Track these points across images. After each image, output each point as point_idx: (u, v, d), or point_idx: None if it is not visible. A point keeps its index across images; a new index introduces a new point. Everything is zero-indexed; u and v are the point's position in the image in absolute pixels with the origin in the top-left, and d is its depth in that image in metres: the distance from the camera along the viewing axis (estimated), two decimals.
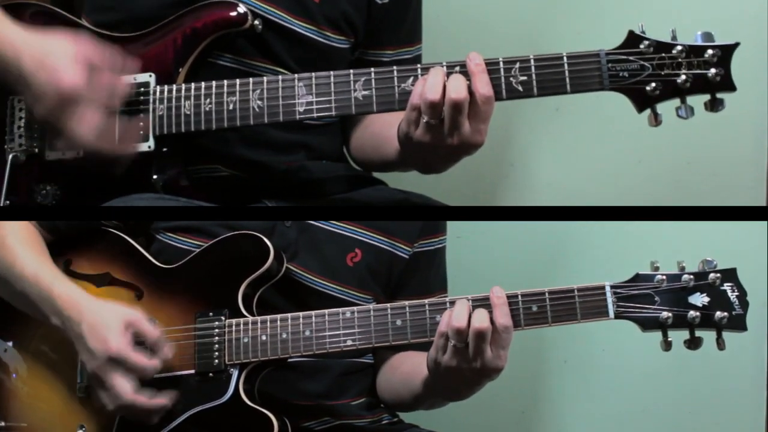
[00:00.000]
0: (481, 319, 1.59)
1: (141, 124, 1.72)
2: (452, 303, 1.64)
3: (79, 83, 1.62)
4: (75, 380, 1.78)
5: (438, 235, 1.96)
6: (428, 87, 1.59)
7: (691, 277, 1.62)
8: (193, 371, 1.72)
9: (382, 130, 1.85)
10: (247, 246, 1.76)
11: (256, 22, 1.77)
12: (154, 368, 1.67)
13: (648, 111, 1.59)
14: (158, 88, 1.73)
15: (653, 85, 1.57)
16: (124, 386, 1.65)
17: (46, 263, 1.78)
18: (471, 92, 1.59)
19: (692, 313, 1.60)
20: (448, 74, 1.60)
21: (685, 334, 1.62)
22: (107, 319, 1.67)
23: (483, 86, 1.59)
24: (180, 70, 1.75)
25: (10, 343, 1.84)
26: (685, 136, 2.41)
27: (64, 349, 1.77)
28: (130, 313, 1.69)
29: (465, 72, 1.61)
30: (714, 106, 1.57)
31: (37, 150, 1.78)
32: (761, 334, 2.39)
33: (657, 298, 1.62)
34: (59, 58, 1.63)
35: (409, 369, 1.83)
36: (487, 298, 1.63)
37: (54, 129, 1.67)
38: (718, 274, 1.61)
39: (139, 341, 1.68)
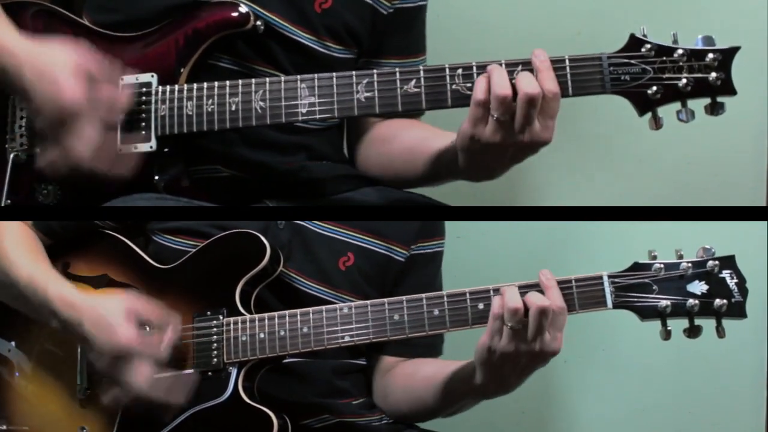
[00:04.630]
0: (540, 296, 1.57)
1: (143, 124, 1.72)
2: (496, 290, 1.63)
3: (79, 97, 1.62)
4: (75, 382, 1.79)
5: (436, 238, 1.95)
6: (496, 82, 1.57)
7: (690, 265, 1.61)
8: (192, 371, 1.72)
9: (420, 144, 1.83)
10: (243, 244, 1.76)
11: (258, 22, 1.77)
12: (166, 347, 1.67)
13: (649, 114, 1.59)
14: (160, 89, 1.73)
15: (654, 88, 1.57)
16: (142, 374, 1.64)
17: (40, 265, 1.78)
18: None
19: (691, 301, 1.59)
20: (510, 71, 1.58)
21: (684, 323, 1.61)
22: (109, 313, 1.66)
23: (549, 82, 1.57)
24: (182, 70, 1.75)
25: (13, 343, 1.85)
26: (686, 136, 2.40)
27: (65, 350, 1.79)
28: (129, 300, 1.69)
29: (529, 70, 1.59)
30: (714, 109, 1.57)
31: (38, 150, 1.77)
32: (761, 333, 2.39)
33: (655, 287, 1.61)
34: (60, 70, 1.62)
35: (431, 372, 1.82)
36: (533, 284, 1.61)
37: (52, 141, 1.66)
38: (717, 262, 1.61)
39: (144, 323, 1.68)
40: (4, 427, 1.82)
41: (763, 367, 2.48)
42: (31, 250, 1.81)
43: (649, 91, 1.58)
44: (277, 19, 1.80)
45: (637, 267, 1.63)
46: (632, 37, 1.59)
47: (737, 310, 1.60)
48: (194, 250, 1.79)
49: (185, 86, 1.72)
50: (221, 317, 1.73)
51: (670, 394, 2.50)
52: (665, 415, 2.50)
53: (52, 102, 1.62)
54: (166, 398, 1.67)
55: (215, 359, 1.72)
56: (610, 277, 1.63)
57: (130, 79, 1.74)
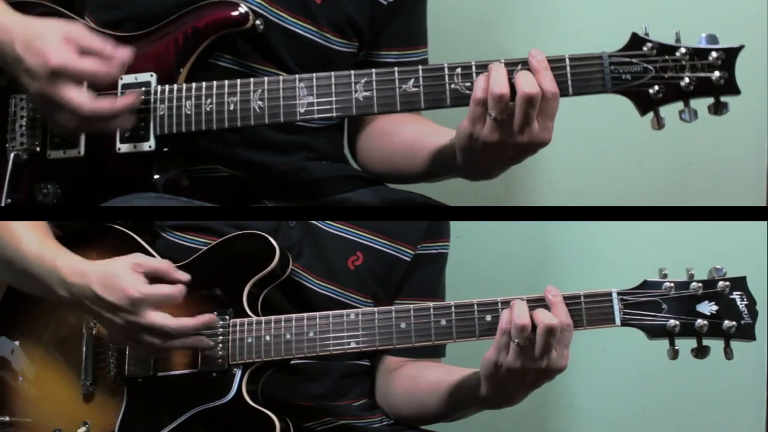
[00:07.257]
0: (548, 314, 1.56)
1: (142, 124, 1.72)
2: (504, 303, 1.62)
3: (66, 59, 1.61)
4: (79, 378, 1.79)
5: (441, 240, 1.95)
6: (494, 81, 1.55)
7: (700, 284, 1.59)
8: (196, 370, 1.72)
9: (420, 140, 1.82)
10: (252, 246, 1.76)
11: (258, 22, 1.76)
12: (179, 294, 1.67)
13: (651, 114, 1.57)
14: (159, 88, 1.73)
15: (656, 87, 1.55)
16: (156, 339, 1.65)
17: (48, 241, 1.77)
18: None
19: (700, 321, 1.58)
20: (510, 71, 1.57)
21: (692, 343, 1.59)
22: (119, 269, 1.66)
23: (548, 83, 1.55)
24: (181, 70, 1.75)
25: (17, 343, 1.85)
26: (686, 136, 2.42)
27: (68, 346, 1.79)
28: (135, 259, 1.68)
29: (529, 69, 1.57)
30: (718, 109, 1.55)
31: (38, 149, 1.78)
32: (761, 334, 2.38)
33: (664, 306, 1.59)
34: (47, 39, 1.62)
35: (435, 378, 1.81)
36: (541, 298, 1.60)
37: (50, 108, 1.65)
38: (728, 283, 1.59)
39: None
40: (7, 419, 1.82)
41: (763, 367, 2.49)
42: (39, 228, 1.80)
43: (651, 91, 1.56)
44: (276, 10, 1.80)
45: (646, 285, 1.62)
46: (634, 35, 1.58)
47: (746, 333, 1.58)
48: (204, 249, 1.79)
49: (184, 85, 1.72)
50: (228, 318, 1.73)
51: (670, 395, 2.50)
52: (665, 415, 2.51)
53: (40, 67, 1.60)
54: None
55: (220, 360, 1.72)
56: (619, 294, 1.62)
57: (129, 78, 1.74)
